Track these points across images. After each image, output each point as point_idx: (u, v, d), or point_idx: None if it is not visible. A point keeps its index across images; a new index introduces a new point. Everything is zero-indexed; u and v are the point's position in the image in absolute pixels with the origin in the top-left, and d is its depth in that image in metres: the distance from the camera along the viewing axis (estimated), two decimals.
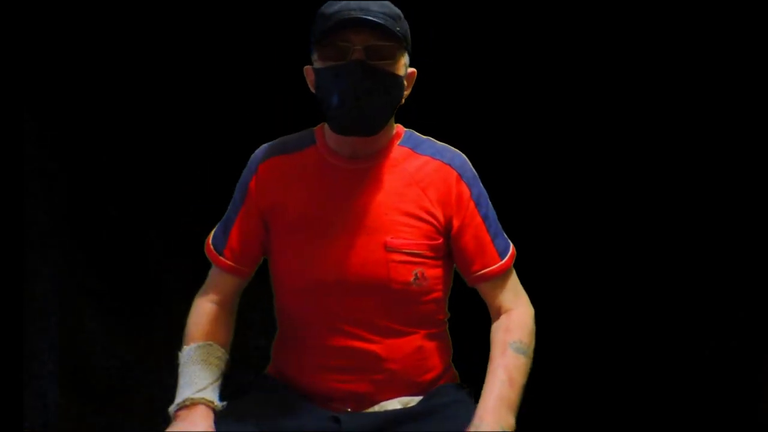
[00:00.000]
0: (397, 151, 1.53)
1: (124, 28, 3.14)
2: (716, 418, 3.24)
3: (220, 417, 1.45)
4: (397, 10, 1.47)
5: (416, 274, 1.49)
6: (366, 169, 1.51)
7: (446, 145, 1.58)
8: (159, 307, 3.21)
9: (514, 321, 1.52)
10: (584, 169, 3.37)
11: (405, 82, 1.50)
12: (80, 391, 3.17)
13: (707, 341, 3.33)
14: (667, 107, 3.31)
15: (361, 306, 1.48)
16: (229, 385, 1.55)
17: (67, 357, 3.15)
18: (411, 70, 1.53)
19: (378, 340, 1.49)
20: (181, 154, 3.25)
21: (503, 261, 1.53)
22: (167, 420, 1.46)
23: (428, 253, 1.50)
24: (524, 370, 1.48)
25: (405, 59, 1.49)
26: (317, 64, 1.47)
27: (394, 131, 1.55)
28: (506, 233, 1.57)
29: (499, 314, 1.54)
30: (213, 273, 1.60)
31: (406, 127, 1.58)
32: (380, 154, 1.52)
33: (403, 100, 1.52)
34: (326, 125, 1.53)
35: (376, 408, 1.49)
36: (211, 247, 1.59)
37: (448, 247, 1.54)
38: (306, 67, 1.52)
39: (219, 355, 1.53)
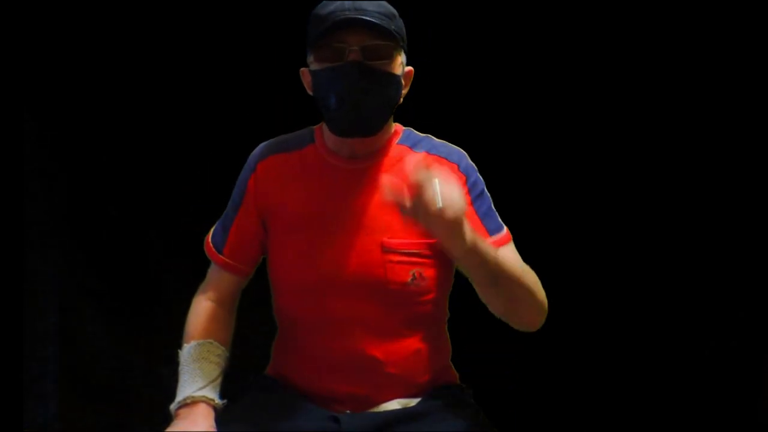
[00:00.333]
0: (396, 150, 1.53)
1: (124, 28, 3.14)
2: (716, 418, 3.23)
3: (220, 417, 1.45)
4: (392, 9, 1.46)
5: (414, 275, 1.47)
6: (364, 169, 1.50)
7: (445, 142, 1.57)
8: (159, 307, 3.21)
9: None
10: (584, 168, 3.37)
11: (402, 81, 1.49)
12: (80, 391, 3.17)
13: (707, 341, 3.33)
14: (667, 106, 3.31)
15: (359, 307, 1.47)
16: (229, 385, 1.55)
17: (67, 357, 3.15)
18: (408, 68, 1.52)
19: (377, 342, 1.48)
20: (181, 154, 3.25)
21: (492, 238, 1.48)
22: (167, 419, 1.46)
23: (426, 252, 1.48)
24: (515, 270, 1.41)
25: (402, 58, 1.48)
26: (313, 66, 1.46)
27: (393, 130, 1.55)
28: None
29: None
30: (212, 271, 1.60)
31: (405, 126, 1.58)
32: (379, 153, 1.52)
33: (401, 99, 1.51)
34: (325, 125, 1.53)
35: (376, 409, 1.49)
36: (211, 245, 1.58)
37: None
38: (302, 69, 1.51)
39: (219, 353, 1.53)
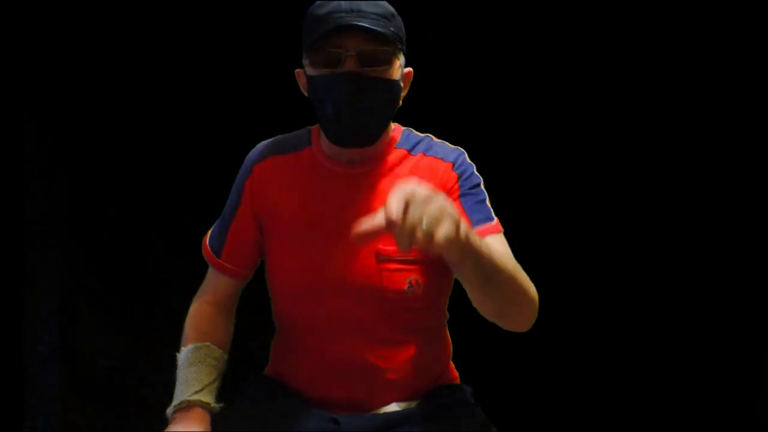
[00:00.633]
0: (394, 154, 1.49)
1: (124, 28, 3.14)
2: (716, 418, 3.24)
3: (219, 417, 1.45)
4: (391, 8, 1.41)
5: (410, 282, 1.44)
6: (361, 174, 1.47)
7: (444, 141, 1.54)
8: (159, 307, 3.21)
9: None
10: (583, 168, 3.37)
11: (401, 84, 1.45)
12: (80, 391, 3.17)
13: (707, 341, 3.33)
14: (666, 106, 3.31)
15: (356, 313, 1.45)
16: (228, 386, 1.55)
17: (67, 357, 3.15)
18: (407, 70, 1.48)
19: (374, 348, 1.46)
20: (180, 154, 3.25)
21: (477, 227, 1.41)
22: (167, 421, 1.46)
23: (422, 259, 1.45)
24: (506, 265, 1.28)
25: (400, 60, 1.43)
26: (309, 70, 1.42)
27: (391, 134, 1.51)
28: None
29: None
30: (210, 274, 1.58)
31: (404, 125, 1.55)
32: (376, 158, 1.48)
33: (401, 102, 1.48)
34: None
35: (374, 412, 1.47)
36: (209, 248, 1.57)
37: None
38: (297, 70, 1.47)
39: (216, 356, 1.52)
